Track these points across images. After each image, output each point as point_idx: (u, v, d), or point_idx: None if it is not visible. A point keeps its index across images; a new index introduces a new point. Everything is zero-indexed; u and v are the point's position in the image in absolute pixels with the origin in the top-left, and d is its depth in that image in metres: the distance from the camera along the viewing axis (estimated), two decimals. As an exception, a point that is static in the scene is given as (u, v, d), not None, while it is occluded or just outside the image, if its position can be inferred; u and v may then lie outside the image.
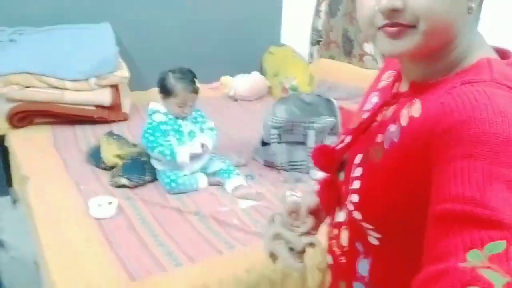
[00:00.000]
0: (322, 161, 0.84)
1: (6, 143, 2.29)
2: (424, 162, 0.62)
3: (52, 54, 2.30)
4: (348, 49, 2.84)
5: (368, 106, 0.82)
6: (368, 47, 2.71)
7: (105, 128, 2.34)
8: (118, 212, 1.69)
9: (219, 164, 1.97)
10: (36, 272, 1.87)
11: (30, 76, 2.24)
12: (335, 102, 2.15)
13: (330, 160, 0.80)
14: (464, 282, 0.49)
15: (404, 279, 0.63)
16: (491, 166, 0.55)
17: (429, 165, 0.61)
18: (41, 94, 2.27)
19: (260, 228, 1.63)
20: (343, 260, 0.81)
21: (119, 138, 2.13)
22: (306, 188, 1.90)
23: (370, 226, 0.72)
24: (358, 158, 0.75)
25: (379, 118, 0.76)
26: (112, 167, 1.95)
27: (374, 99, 0.83)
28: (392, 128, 0.69)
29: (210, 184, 1.92)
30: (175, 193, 1.84)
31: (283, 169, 2.06)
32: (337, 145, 0.82)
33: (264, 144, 2.12)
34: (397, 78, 0.79)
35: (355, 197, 0.73)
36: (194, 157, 1.88)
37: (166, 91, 1.87)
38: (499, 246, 0.51)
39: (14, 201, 2.59)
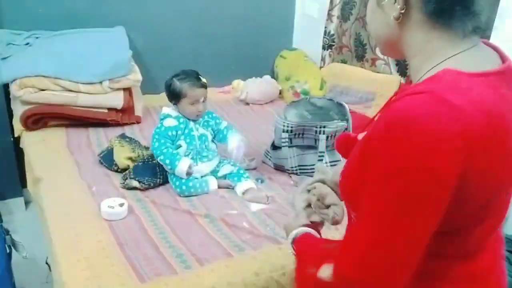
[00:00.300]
0: (344, 148, 0.94)
1: (21, 145, 2.33)
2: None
3: (66, 57, 2.34)
4: (360, 53, 2.83)
5: None
6: (381, 52, 2.69)
7: (117, 130, 2.36)
8: (129, 214, 1.70)
9: (229, 167, 1.98)
10: (48, 273, 1.90)
11: (45, 79, 2.27)
12: (346, 106, 2.14)
13: (350, 147, 0.87)
14: None
15: None
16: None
17: None
18: (55, 97, 2.30)
19: (269, 231, 1.63)
20: None
21: (131, 140, 2.15)
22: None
23: (346, 204, 0.86)
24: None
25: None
26: (124, 170, 1.96)
27: None
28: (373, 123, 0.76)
29: (220, 187, 1.93)
30: (186, 196, 1.85)
31: (293, 173, 2.06)
32: (357, 134, 0.91)
33: (275, 147, 2.12)
34: None
35: (339, 177, 0.85)
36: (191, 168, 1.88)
37: (175, 95, 1.88)
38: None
39: (27, 202, 2.63)
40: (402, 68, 2.59)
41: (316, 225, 0.98)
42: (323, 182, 0.99)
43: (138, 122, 2.53)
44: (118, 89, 2.39)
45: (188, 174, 1.85)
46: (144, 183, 1.87)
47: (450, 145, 0.63)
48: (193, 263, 1.46)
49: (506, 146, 0.68)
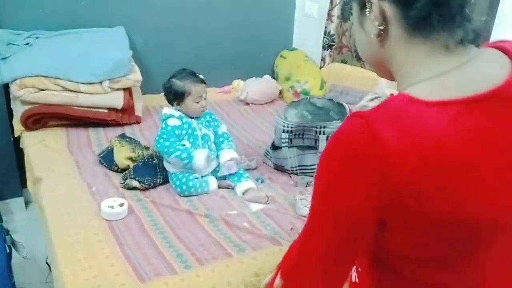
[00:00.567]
0: None
1: (21, 145, 2.33)
2: None
3: (67, 57, 2.33)
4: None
5: None
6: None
7: (117, 130, 2.36)
8: (129, 214, 1.70)
9: (229, 167, 1.98)
10: (48, 273, 1.90)
11: (45, 79, 2.27)
12: (346, 106, 2.14)
13: None
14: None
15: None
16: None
17: None
18: (55, 97, 2.29)
19: (270, 231, 1.63)
20: None
21: (131, 140, 2.15)
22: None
23: None
24: None
25: None
26: (124, 170, 1.96)
27: None
28: None
29: (220, 187, 1.93)
30: (186, 196, 1.85)
31: (293, 173, 2.06)
32: None
33: (275, 148, 2.12)
34: None
35: None
36: (209, 160, 1.89)
37: (179, 95, 1.88)
38: None
39: (27, 202, 2.63)
40: (402, 68, 2.58)
41: None
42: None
43: (138, 122, 2.52)
44: (118, 89, 2.39)
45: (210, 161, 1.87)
46: (144, 183, 1.87)
47: (363, 180, 0.65)
48: (193, 263, 1.47)
49: (448, 185, 0.65)
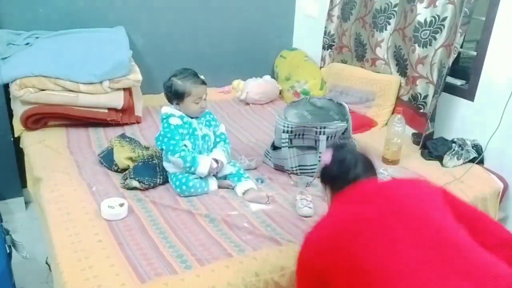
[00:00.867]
0: None
1: (21, 145, 2.33)
2: None
3: (67, 57, 2.33)
4: (360, 53, 2.83)
5: None
6: (381, 52, 2.70)
7: (117, 130, 2.36)
8: (129, 214, 1.70)
9: (229, 167, 1.98)
10: (48, 273, 1.90)
11: (45, 79, 2.27)
12: (346, 106, 2.14)
13: None
14: None
15: None
16: None
17: None
18: (55, 97, 2.30)
19: (270, 232, 1.63)
20: None
21: (131, 140, 2.14)
22: (315, 192, 1.89)
23: None
24: None
25: None
26: (124, 170, 1.96)
27: None
28: None
29: (220, 187, 1.93)
30: (186, 196, 1.85)
31: (293, 173, 2.06)
32: None
33: (275, 148, 2.12)
34: None
35: None
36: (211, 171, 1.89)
37: (179, 95, 1.88)
38: None
39: (27, 202, 2.63)
40: (402, 68, 2.59)
41: None
42: None
43: (138, 122, 2.53)
44: (118, 89, 2.39)
45: (213, 169, 1.87)
46: (144, 183, 1.87)
47: (306, 263, 1.20)
48: (193, 263, 1.46)
49: (355, 251, 1.06)
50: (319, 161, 2.00)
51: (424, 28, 2.35)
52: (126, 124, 2.47)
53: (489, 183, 2.11)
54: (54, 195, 1.80)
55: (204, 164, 1.85)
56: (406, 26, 2.47)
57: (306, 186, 1.96)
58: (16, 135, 2.38)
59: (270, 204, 1.82)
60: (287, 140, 2.02)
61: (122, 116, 2.45)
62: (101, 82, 2.33)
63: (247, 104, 2.92)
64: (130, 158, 2.00)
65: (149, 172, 1.90)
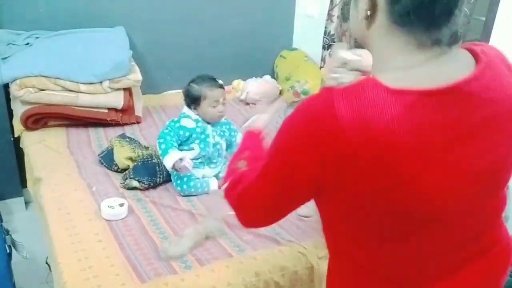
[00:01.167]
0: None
1: (21, 145, 2.33)
2: None
3: (67, 57, 2.33)
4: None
5: None
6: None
7: (117, 130, 2.36)
8: (129, 214, 1.70)
9: (229, 167, 1.97)
10: (48, 273, 1.90)
11: (45, 79, 2.27)
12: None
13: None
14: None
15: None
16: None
17: None
18: (55, 97, 2.29)
19: (270, 232, 1.63)
20: None
21: (131, 140, 2.14)
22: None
23: None
24: None
25: None
26: (124, 170, 1.96)
27: None
28: None
29: (221, 187, 1.93)
30: (186, 195, 1.85)
31: (293, 173, 2.06)
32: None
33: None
34: None
35: None
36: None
37: (195, 99, 1.89)
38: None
39: (27, 202, 2.63)
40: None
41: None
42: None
43: (138, 122, 2.52)
44: (118, 89, 2.39)
45: (179, 168, 1.80)
46: (144, 183, 1.87)
47: (311, 145, 0.73)
48: (193, 263, 1.47)
49: (388, 171, 0.70)
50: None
51: (424, 28, 2.35)
52: (126, 124, 2.47)
53: (489, 183, 2.10)
54: (54, 195, 1.80)
55: (171, 156, 1.80)
56: (406, 26, 2.46)
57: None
58: (16, 135, 2.37)
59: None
60: (287, 140, 2.01)
61: (122, 116, 2.45)
62: (101, 82, 2.32)
63: (247, 104, 2.92)
64: (130, 158, 2.00)
65: (149, 172, 1.90)
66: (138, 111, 2.54)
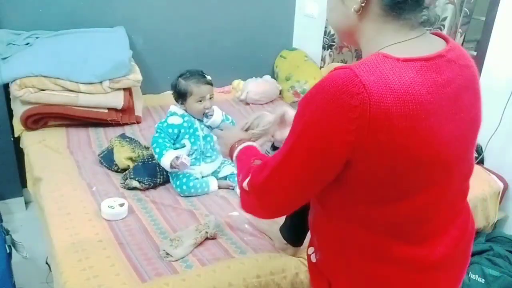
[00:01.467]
0: None
1: (21, 145, 2.33)
2: None
3: (67, 57, 2.33)
4: (360, 53, 2.82)
5: None
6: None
7: (117, 130, 2.36)
8: (129, 214, 1.70)
9: (230, 168, 1.98)
10: (48, 273, 1.90)
11: (45, 79, 2.27)
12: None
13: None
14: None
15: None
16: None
17: None
18: (55, 97, 2.29)
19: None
20: None
21: (131, 140, 2.14)
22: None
23: None
24: None
25: None
26: (124, 170, 1.96)
27: None
28: None
29: (221, 187, 1.93)
30: (186, 196, 1.85)
31: (294, 173, 2.06)
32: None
33: (275, 148, 2.12)
34: None
35: None
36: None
37: (182, 94, 1.89)
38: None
39: (27, 202, 2.63)
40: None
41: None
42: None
43: (138, 122, 2.52)
44: (118, 89, 2.39)
45: (177, 166, 1.81)
46: (144, 183, 1.87)
47: (343, 115, 0.76)
48: (194, 263, 1.46)
49: (415, 125, 0.78)
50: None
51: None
52: (126, 124, 2.47)
53: (489, 183, 2.11)
54: (54, 195, 1.79)
55: (167, 156, 1.82)
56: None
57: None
58: (16, 135, 2.37)
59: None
60: (287, 140, 2.02)
61: (122, 116, 2.45)
62: (101, 82, 2.32)
63: (247, 104, 2.92)
64: (130, 158, 2.00)
65: (149, 172, 1.90)
66: (138, 111, 2.54)
